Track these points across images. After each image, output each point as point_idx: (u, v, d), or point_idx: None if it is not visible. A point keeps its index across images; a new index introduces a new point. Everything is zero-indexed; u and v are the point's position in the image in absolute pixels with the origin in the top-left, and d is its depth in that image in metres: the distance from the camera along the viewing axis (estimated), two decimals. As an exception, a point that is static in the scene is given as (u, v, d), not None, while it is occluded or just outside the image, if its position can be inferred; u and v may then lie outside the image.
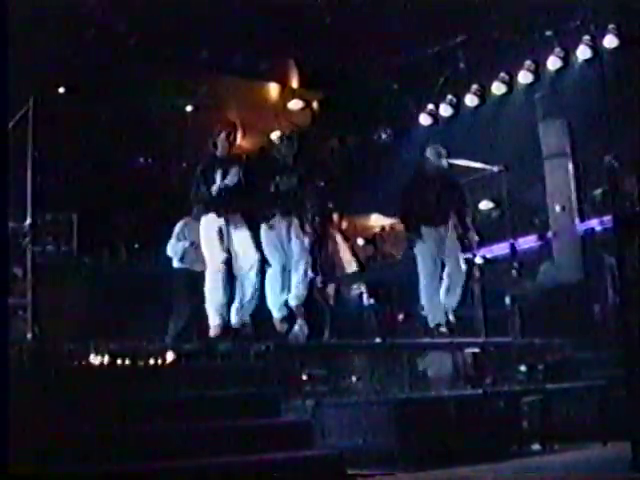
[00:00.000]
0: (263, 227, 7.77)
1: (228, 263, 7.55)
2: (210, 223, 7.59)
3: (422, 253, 8.61)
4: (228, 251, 7.55)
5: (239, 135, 7.86)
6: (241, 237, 7.60)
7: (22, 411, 4.06)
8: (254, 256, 7.55)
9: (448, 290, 8.50)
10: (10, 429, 2.89)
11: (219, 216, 7.53)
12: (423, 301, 8.59)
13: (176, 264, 9.04)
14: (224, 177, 7.58)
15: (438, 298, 8.50)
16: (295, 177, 7.87)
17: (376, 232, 13.09)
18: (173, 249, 9.01)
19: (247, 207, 7.69)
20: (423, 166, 8.89)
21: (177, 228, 9.03)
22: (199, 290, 7.82)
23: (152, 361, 6.31)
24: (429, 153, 8.80)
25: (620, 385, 5.60)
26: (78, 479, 4.41)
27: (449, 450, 6.10)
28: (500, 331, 8.64)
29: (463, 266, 8.56)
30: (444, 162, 8.74)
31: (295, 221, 7.79)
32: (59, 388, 5.14)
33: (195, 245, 8.50)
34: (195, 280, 8.26)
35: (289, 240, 7.78)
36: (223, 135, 7.77)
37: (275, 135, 7.98)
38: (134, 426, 5.07)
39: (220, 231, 7.53)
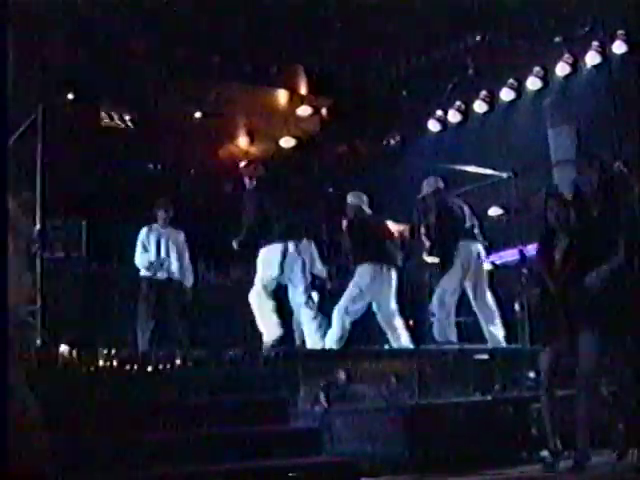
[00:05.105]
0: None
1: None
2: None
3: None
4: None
5: None
6: None
7: (29, 417, 4.06)
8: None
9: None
10: (13, 431, 2.88)
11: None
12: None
13: (143, 272, 9.11)
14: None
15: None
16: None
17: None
18: (142, 261, 9.06)
19: None
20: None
21: (141, 237, 9.12)
22: (163, 298, 8.84)
23: (161, 367, 6.30)
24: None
25: (629, 391, 5.58)
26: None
27: (458, 457, 6.08)
28: (509, 337, 8.64)
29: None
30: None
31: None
32: (68, 394, 5.15)
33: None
34: (159, 288, 8.90)
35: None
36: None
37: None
38: (141, 432, 5.07)
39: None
